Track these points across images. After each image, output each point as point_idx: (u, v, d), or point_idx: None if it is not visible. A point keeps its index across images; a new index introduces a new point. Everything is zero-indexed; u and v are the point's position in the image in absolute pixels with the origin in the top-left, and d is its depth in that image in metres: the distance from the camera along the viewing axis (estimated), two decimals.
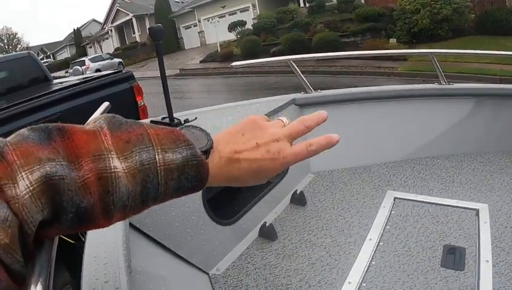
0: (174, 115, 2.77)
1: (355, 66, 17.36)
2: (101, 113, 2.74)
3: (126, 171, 0.61)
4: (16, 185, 0.52)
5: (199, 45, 35.92)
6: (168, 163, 0.65)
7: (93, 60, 32.53)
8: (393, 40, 19.51)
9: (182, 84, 21.31)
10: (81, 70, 27.97)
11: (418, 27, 18.95)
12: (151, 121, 2.64)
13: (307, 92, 3.40)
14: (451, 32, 18.49)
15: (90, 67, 28.83)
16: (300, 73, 3.41)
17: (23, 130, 0.59)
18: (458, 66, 13.72)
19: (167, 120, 2.73)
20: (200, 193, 2.12)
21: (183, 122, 2.65)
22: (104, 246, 1.31)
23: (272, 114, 2.96)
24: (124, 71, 5.89)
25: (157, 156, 0.64)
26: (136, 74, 6.53)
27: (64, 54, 61.56)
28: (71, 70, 28.03)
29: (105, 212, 0.61)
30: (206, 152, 0.72)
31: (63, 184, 0.55)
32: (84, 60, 32.46)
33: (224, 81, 20.92)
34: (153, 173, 0.63)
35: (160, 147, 0.65)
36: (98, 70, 27.13)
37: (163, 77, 2.66)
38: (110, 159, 0.60)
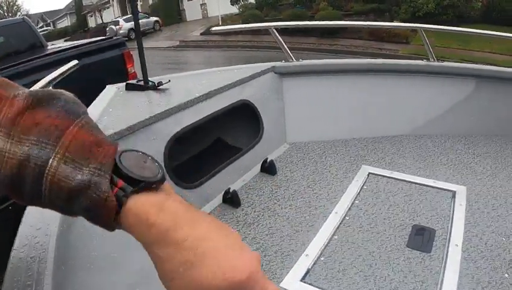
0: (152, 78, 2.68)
1: (357, 46, 17.26)
2: (65, 71, 2.59)
3: (9, 155, 0.50)
4: None
5: (201, 17, 35.51)
6: (59, 177, 0.50)
7: (127, 20, 32.36)
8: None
9: (181, 56, 21.18)
10: (115, 30, 30.18)
11: (423, 11, 18.71)
12: (127, 84, 2.69)
13: (288, 61, 3.28)
14: (456, 19, 18.26)
15: (123, 27, 29.61)
16: (282, 40, 3.29)
17: None
18: (461, 53, 13.60)
19: (142, 82, 2.65)
20: (161, 148, 2.12)
21: (156, 85, 2.55)
22: None
23: (249, 80, 2.88)
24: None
25: (51, 161, 0.50)
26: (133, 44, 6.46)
27: (65, 23, 61.02)
28: (108, 28, 30.95)
29: None
30: (152, 184, 0.54)
31: None
32: (118, 20, 32.80)
33: (223, 54, 20.72)
34: (35, 176, 0.50)
35: (62, 153, 0.51)
36: (131, 29, 28.38)
37: (139, 40, 2.60)
38: None
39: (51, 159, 0.50)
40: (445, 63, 3.32)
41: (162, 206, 0.53)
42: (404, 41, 16.69)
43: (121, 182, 0.52)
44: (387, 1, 20.95)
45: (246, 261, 0.52)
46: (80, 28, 48.08)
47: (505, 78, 3.16)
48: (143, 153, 0.58)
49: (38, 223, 1.15)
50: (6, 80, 0.55)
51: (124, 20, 32.57)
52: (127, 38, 32.30)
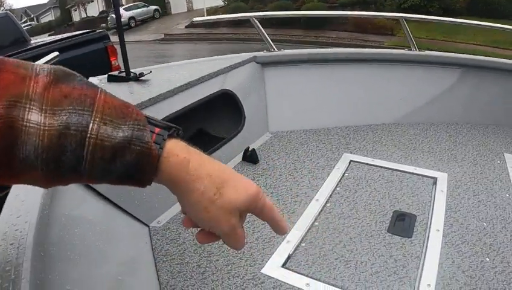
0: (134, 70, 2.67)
1: (342, 38, 17.37)
2: (46, 62, 2.60)
3: (45, 128, 0.53)
4: None
5: (186, 10, 35.46)
6: (102, 138, 0.55)
7: (127, 9, 33.80)
8: None
9: (165, 49, 21.13)
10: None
11: (409, 3, 18.85)
12: (109, 75, 2.66)
13: (269, 51, 3.28)
14: (441, 11, 18.38)
15: (123, 16, 30.68)
16: (263, 30, 3.28)
17: None
18: (445, 44, 13.71)
19: (124, 74, 2.64)
20: None
21: (138, 76, 2.54)
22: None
23: (230, 69, 2.89)
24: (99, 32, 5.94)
25: (91, 125, 0.55)
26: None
27: (48, 17, 60.42)
28: (109, 18, 32.46)
29: (9, 167, 0.54)
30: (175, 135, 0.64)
31: None
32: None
33: (208, 47, 20.69)
34: (77, 142, 0.54)
35: (100, 116, 0.56)
36: (131, 17, 31.92)
37: (120, 32, 2.57)
38: (27, 109, 0.53)
39: (90, 124, 0.54)
40: (428, 52, 3.33)
41: (189, 147, 0.64)
42: (390, 33, 16.80)
43: (157, 129, 0.61)
44: None
45: (251, 181, 0.67)
46: (64, 23, 47.67)
47: (489, 68, 3.18)
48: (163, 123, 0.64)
49: (18, 212, 1.16)
50: (19, 60, 0.58)
51: (124, 9, 33.43)
52: (127, 27, 32.93)
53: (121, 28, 2.62)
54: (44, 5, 65.97)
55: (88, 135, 0.54)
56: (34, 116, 0.52)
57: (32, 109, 0.53)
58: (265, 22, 20.73)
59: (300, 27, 19.28)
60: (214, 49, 19.73)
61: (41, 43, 5.67)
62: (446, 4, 18.63)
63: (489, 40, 14.23)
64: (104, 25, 32.05)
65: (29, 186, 1.28)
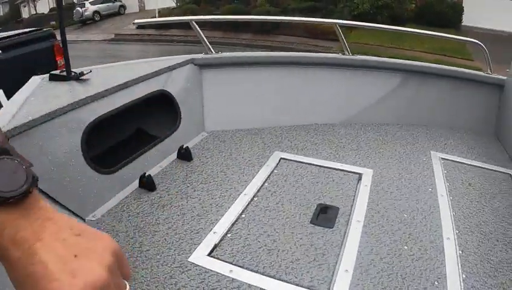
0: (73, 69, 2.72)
1: (292, 43, 17.54)
2: None
3: None
4: None
5: (138, 10, 34.94)
6: None
7: (93, 3, 33.34)
8: None
9: (115, 49, 20.77)
10: (80, 11, 31.99)
11: (358, 11, 19.17)
12: (50, 74, 2.69)
13: (207, 53, 3.38)
14: (390, 19, 18.81)
15: (88, 9, 31.96)
16: (202, 33, 3.36)
17: None
18: (392, 51, 14.09)
19: (65, 73, 2.69)
20: (79, 135, 2.19)
21: (78, 75, 2.62)
22: None
23: (168, 70, 2.96)
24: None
25: None
26: (71, 36, 6.38)
27: None
28: (75, 11, 32.21)
29: None
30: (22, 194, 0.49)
31: None
32: (84, 3, 33.42)
33: (158, 48, 20.46)
34: None
35: None
36: (96, 12, 32.03)
37: (63, 32, 2.62)
38: None
39: None
40: (360, 56, 3.52)
41: (5, 225, 0.48)
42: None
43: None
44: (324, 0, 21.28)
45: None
46: (12, 19, 46.19)
47: (428, 73, 3.40)
48: (20, 161, 0.52)
49: None
50: None
51: (89, 3, 33.23)
52: (91, 21, 32.16)
53: (63, 28, 2.66)
54: None
55: None
56: None
57: None
58: (216, 25, 20.72)
59: (250, 31, 19.42)
60: (164, 50, 19.52)
61: None
62: (395, 13, 19.06)
63: (437, 47, 14.68)
64: (53, 22, 31.36)
65: None
